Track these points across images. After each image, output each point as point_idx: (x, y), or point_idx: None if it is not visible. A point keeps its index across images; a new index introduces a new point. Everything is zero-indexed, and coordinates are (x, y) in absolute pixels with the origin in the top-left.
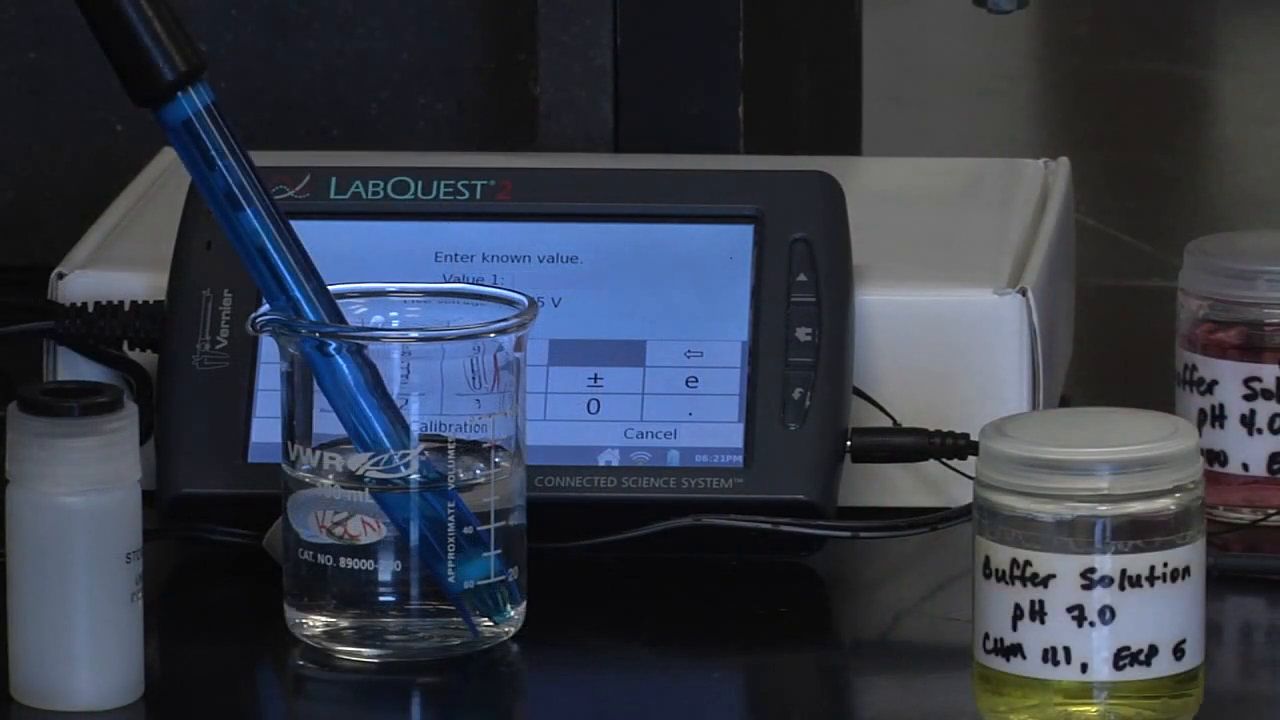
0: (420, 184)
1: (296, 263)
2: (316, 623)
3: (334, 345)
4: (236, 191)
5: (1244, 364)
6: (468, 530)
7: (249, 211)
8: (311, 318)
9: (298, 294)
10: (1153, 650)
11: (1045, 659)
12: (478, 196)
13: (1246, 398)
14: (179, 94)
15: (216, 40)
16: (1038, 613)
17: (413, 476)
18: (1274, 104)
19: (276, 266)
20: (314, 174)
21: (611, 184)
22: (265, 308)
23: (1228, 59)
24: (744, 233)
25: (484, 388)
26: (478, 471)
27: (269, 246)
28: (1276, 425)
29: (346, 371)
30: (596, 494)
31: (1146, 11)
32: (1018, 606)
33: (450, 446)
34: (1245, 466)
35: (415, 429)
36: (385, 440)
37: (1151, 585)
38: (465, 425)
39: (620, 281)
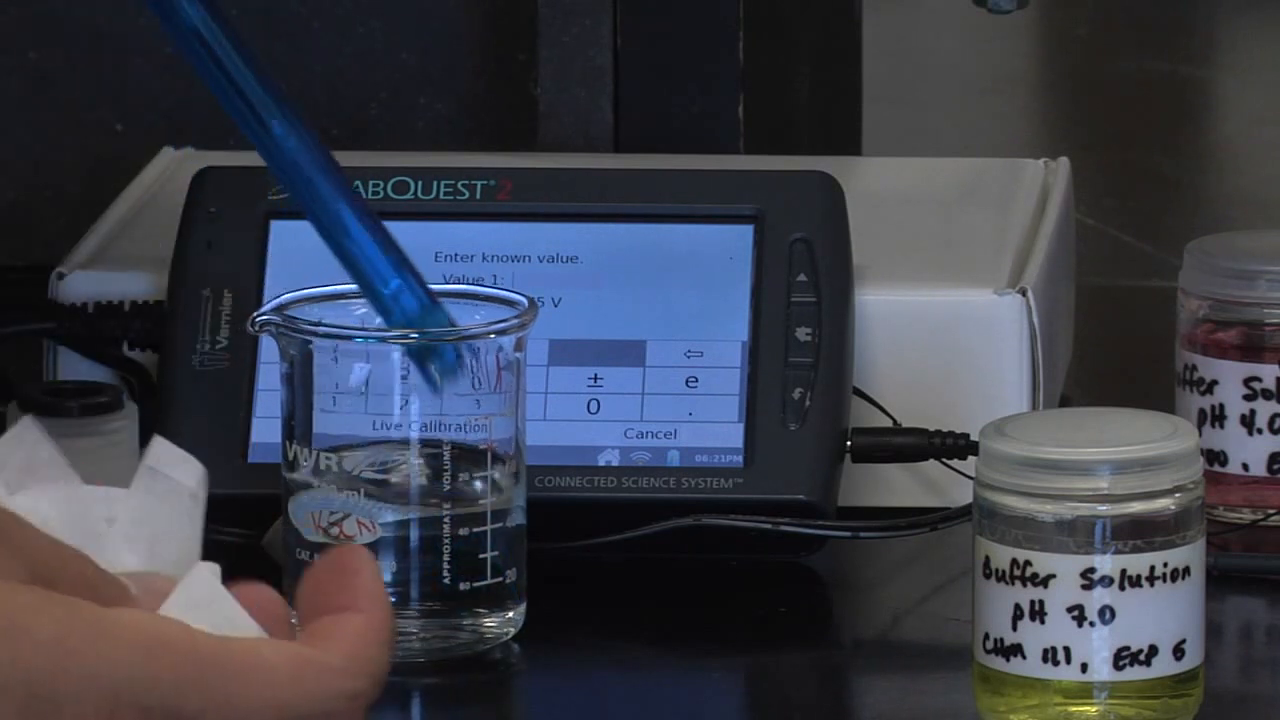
0: (420, 184)
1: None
2: None
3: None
4: None
5: (1244, 364)
6: (464, 531)
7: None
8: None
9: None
10: (1153, 650)
11: (1045, 659)
12: (478, 196)
13: (1246, 398)
14: None
15: None
16: (1038, 613)
17: (413, 475)
18: (1274, 104)
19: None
20: None
21: (611, 184)
22: (265, 307)
23: (1228, 59)
24: (744, 233)
25: (484, 388)
26: (476, 472)
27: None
28: (1276, 425)
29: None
30: (596, 494)
31: (1146, 11)
32: (1018, 606)
33: (446, 448)
34: (1245, 466)
35: (415, 433)
36: (386, 264)
37: (1151, 585)
38: (465, 426)
39: (620, 281)
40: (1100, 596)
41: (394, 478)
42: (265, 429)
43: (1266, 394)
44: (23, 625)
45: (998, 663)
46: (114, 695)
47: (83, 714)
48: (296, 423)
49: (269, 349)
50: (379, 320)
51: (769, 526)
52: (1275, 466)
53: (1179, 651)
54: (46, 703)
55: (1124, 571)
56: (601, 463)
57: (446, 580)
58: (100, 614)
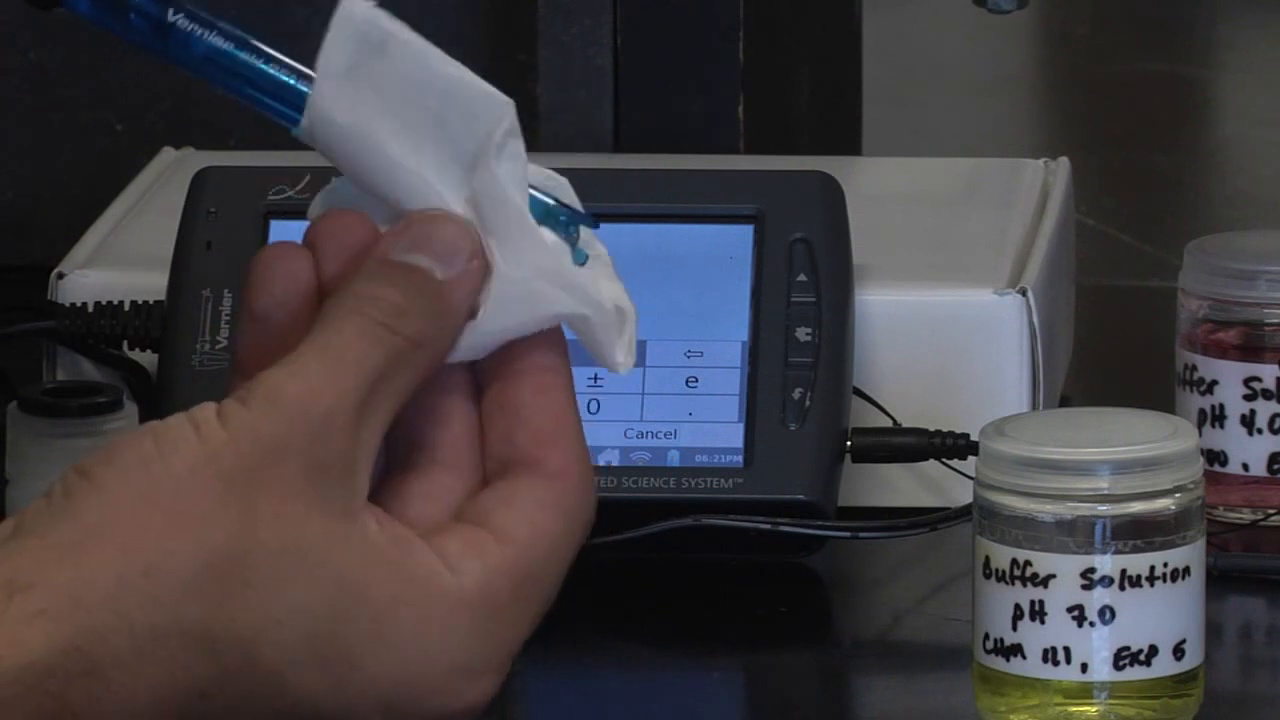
0: None
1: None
2: None
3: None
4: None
5: (1244, 364)
6: None
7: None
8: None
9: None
10: (1153, 650)
11: (1045, 659)
12: None
13: (1246, 398)
14: None
15: None
16: (1038, 613)
17: None
18: (1274, 104)
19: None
20: (314, 174)
21: (611, 184)
22: None
23: (1228, 59)
24: (744, 233)
25: None
26: None
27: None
28: (1276, 425)
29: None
30: (597, 494)
31: (1146, 11)
32: (1018, 606)
33: None
34: (1245, 466)
35: None
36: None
37: (1151, 585)
38: None
39: None
40: (1100, 596)
41: None
42: None
43: (1266, 394)
44: None
45: (998, 663)
46: None
47: None
48: None
49: None
50: None
51: (769, 526)
52: (1275, 466)
53: (1179, 651)
54: None
55: (1124, 571)
56: (601, 463)
57: None
58: None
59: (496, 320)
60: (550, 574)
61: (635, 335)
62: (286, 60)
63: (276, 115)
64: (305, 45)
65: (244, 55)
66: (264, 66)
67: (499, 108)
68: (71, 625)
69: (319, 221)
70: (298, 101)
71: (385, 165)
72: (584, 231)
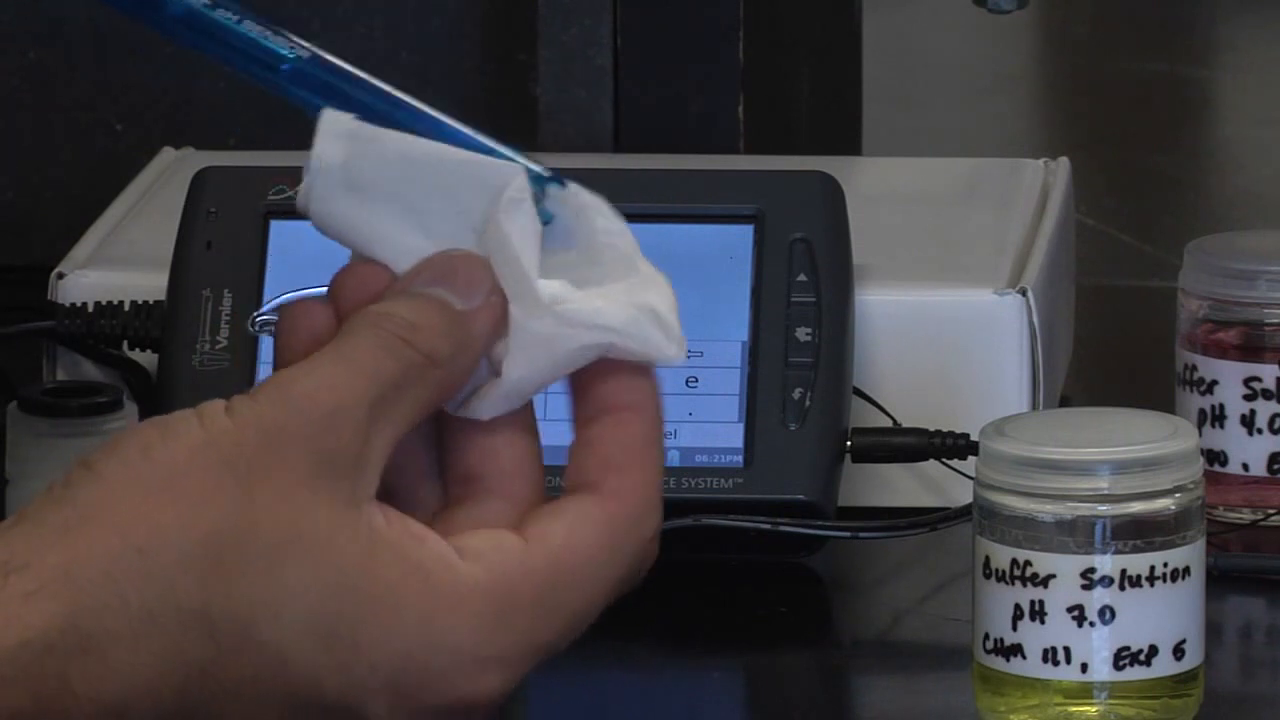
0: None
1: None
2: None
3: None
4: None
5: (1244, 364)
6: None
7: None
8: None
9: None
10: (1153, 650)
11: (1045, 659)
12: None
13: (1246, 398)
14: None
15: None
16: (1038, 613)
17: None
18: (1274, 104)
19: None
20: None
21: (612, 184)
22: (266, 307)
23: (1228, 59)
24: (744, 233)
25: None
26: None
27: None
28: (1276, 425)
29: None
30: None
31: (1146, 11)
32: (1018, 606)
33: None
34: (1245, 466)
35: None
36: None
37: (1151, 585)
38: None
39: None
40: (1100, 596)
41: None
42: None
43: (1266, 394)
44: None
45: (998, 663)
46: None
47: None
48: None
49: (269, 349)
50: None
51: (769, 526)
52: (1275, 466)
53: (1179, 651)
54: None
55: (1124, 571)
56: None
57: None
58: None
59: (521, 368)
60: (583, 588)
61: (676, 317)
62: (270, 26)
63: (257, 77)
64: None
65: (218, 14)
66: (240, 28)
67: (509, 171)
68: (67, 603)
69: (342, 273)
70: (276, 63)
71: (390, 250)
72: (559, 189)
